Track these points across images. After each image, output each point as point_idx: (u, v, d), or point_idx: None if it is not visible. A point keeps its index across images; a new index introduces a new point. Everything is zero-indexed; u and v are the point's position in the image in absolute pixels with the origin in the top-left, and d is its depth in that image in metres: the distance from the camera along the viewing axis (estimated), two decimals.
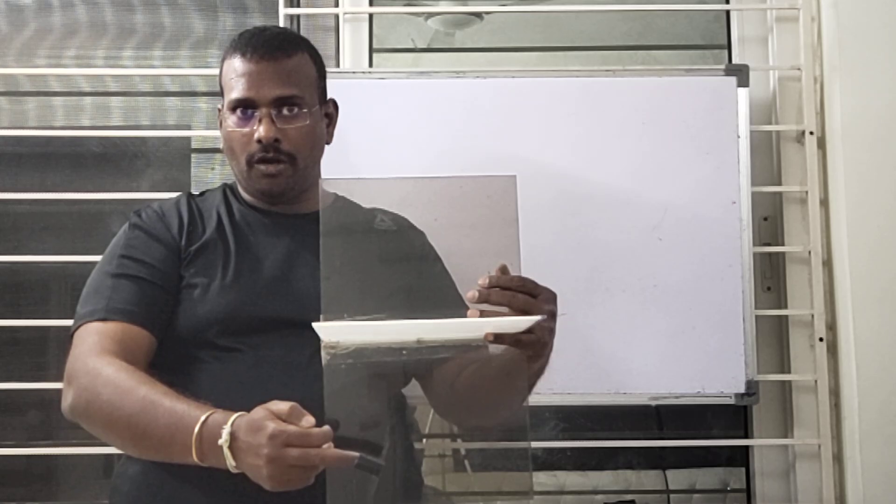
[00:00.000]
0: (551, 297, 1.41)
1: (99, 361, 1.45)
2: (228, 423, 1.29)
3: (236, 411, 1.42)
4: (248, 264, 1.57)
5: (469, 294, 1.33)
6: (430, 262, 1.64)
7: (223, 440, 1.29)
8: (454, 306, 1.56)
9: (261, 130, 1.56)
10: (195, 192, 1.72)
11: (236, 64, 1.60)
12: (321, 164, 1.71)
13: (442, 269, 1.65)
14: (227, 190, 1.69)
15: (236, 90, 1.59)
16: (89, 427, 1.47)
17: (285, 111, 1.58)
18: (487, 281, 1.34)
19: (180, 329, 1.53)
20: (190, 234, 1.59)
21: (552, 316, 1.41)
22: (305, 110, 1.61)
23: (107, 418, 1.42)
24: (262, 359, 1.50)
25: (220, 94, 1.67)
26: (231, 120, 1.60)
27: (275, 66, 1.59)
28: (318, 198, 1.68)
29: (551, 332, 1.41)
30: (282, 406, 1.28)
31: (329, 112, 1.70)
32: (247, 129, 1.58)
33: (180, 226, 1.60)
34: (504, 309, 1.33)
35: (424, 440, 1.74)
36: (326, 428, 1.27)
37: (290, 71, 1.61)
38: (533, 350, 1.38)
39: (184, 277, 1.56)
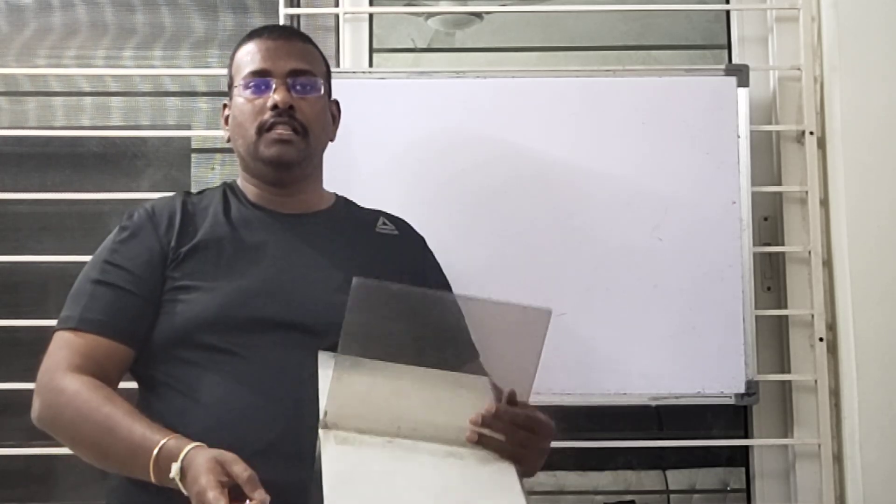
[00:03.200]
0: (549, 434, 1.45)
1: (63, 380, 1.46)
2: (179, 459, 1.32)
3: (229, 411, 1.44)
4: (242, 264, 1.56)
5: (472, 418, 1.36)
6: (439, 300, 1.66)
7: (173, 474, 1.31)
8: (463, 354, 1.59)
9: (276, 96, 1.58)
10: (195, 192, 1.71)
11: (251, 46, 1.64)
12: (323, 164, 1.72)
13: (451, 305, 1.67)
14: (227, 189, 1.68)
15: (253, 64, 1.62)
16: (58, 439, 1.49)
17: (299, 85, 1.61)
18: (492, 410, 1.36)
19: (170, 331, 1.51)
20: (180, 234, 1.57)
21: (544, 452, 1.45)
22: (320, 83, 1.64)
23: (70, 438, 1.46)
24: (253, 360, 1.49)
25: (228, 88, 1.67)
26: (243, 95, 1.61)
27: (291, 45, 1.64)
28: (317, 198, 1.70)
29: (541, 460, 1.45)
30: (226, 459, 1.30)
31: (333, 111, 1.72)
32: (260, 99, 1.60)
33: (169, 226, 1.58)
34: (501, 436, 1.36)
35: None
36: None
37: (305, 51, 1.66)
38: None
39: (175, 278, 1.54)
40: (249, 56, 1.63)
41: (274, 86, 1.60)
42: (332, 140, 1.71)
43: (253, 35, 1.66)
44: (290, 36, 1.68)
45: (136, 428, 1.38)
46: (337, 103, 1.74)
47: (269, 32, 1.66)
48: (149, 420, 1.40)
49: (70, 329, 1.51)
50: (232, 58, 1.68)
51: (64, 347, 1.50)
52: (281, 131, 1.58)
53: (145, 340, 1.52)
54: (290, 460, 1.43)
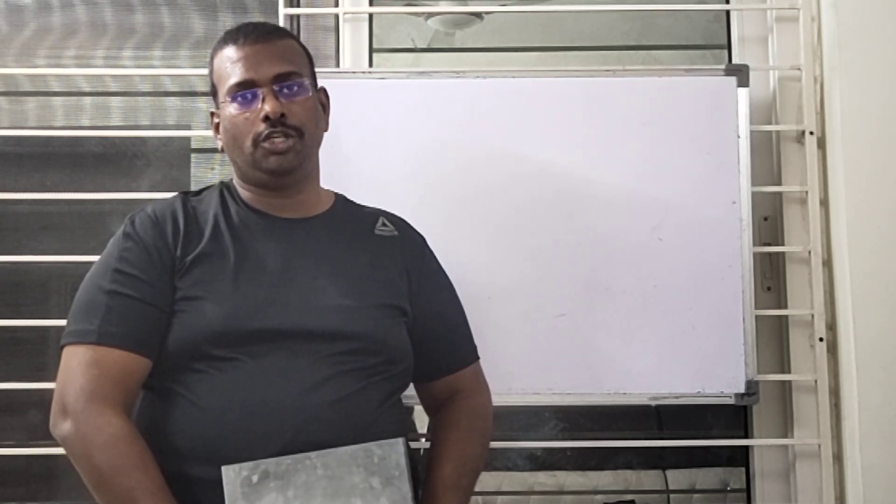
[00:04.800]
0: None
1: (100, 417, 1.44)
2: None
3: (234, 421, 1.44)
4: (245, 273, 1.54)
5: None
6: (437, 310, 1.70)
7: None
8: (464, 357, 1.71)
9: (266, 107, 1.55)
10: (193, 191, 1.68)
11: (229, 53, 1.60)
12: (319, 160, 1.69)
13: (448, 307, 1.73)
14: (224, 190, 1.65)
15: (235, 75, 1.58)
16: (78, 471, 1.47)
17: (286, 89, 1.58)
18: None
19: (179, 340, 1.50)
20: (186, 242, 1.55)
21: None
22: (306, 82, 1.61)
23: (93, 484, 1.44)
24: (260, 369, 1.48)
25: (213, 94, 1.64)
26: (231, 108, 1.58)
27: (270, 47, 1.60)
28: (315, 199, 1.68)
29: None
30: None
31: (322, 100, 1.69)
32: (250, 112, 1.56)
33: (175, 233, 1.56)
34: None
35: (424, 440, 1.74)
36: None
37: (285, 50, 1.62)
38: None
39: (181, 288, 1.52)
40: (230, 65, 1.59)
41: (261, 95, 1.56)
42: (325, 130, 1.69)
43: (228, 39, 1.61)
44: (267, 36, 1.61)
45: None
46: (324, 91, 1.70)
47: (246, 36, 1.60)
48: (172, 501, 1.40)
49: (91, 344, 1.48)
50: (211, 63, 1.64)
51: (92, 366, 1.46)
52: (277, 142, 1.56)
53: (160, 350, 1.52)
54: None
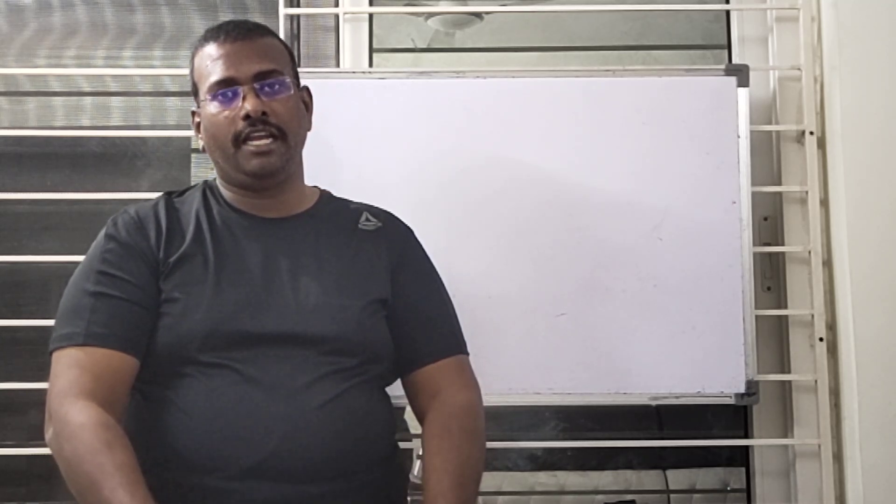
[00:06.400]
0: None
1: (71, 409, 1.41)
2: None
3: (221, 427, 1.43)
4: (228, 276, 1.53)
5: None
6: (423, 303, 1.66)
7: None
8: (449, 347, 1.64)
9: (247, 105, 1.53)
10: (176, 191, 1.67)
11: (210, 50, 1.58)
12: (304, 159, 1.67)
13: (437, 303, 1.68)
14: (207, 189, 1.64)
15: (216, 73, 1.56)
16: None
17: (267, 87, 1.56)
18: None
19: (163, 345, 1.49)
20: (168, 244, 1.54)
21: None
22: (288, 81, 1.59)
23: (66, 475, 1.41)
24: (245, 373, 1.47)
25: (194, 93, 1.62)
26: (212, 106, 1.56)
27: (251, 45, 1.58)
28: (298, 197, 1.66)
29: None
30: None
31: (305, 99, 1.67)
32: (230, 110, 1.54)
33: (158, 235, 1.54)
34: None
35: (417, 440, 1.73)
36: None
37: (267, 48, 1.60)
38: None
39: (164, 290, 1.51)
40: (210, 63, 1.56)
41: (242, 93, 1.54)
42: (308, 130, 1.66)
43: (209, 37, 1.59)
44: (248, 34, 1.59)
45: (117, 494, 1.33)
46: (307, 90, 1.68)
47: (227, 34, 1.57)
48: (134, 483, 1.35)
49: (77, 346, 1.46)
50: (192, 61, 1.62)
51: (73, 366, 1.45)
52: (259, 143, 1.54)
53: (146, 353, 1.50)
54: (278, 479, 1.43)
